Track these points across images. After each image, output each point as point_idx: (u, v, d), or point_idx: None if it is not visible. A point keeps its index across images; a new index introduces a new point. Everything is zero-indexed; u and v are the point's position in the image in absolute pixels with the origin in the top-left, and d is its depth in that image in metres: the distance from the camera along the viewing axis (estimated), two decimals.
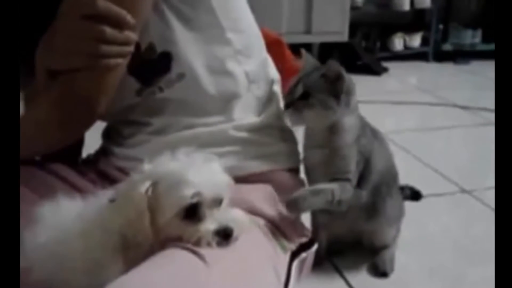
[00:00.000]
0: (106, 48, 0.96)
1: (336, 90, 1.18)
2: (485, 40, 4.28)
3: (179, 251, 0.84)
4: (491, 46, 4.13)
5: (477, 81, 3.76)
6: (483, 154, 2.36)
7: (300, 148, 1.28)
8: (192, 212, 0.86)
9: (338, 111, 1.19)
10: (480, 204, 1.85)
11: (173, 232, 0.87)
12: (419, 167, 2.18)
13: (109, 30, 0.94)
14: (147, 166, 0.89)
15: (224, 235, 0.87)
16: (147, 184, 0.86)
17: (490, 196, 1.86)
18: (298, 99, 1.19)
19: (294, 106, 1.19)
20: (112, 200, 0.90)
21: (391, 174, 1.38)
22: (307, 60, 1.27)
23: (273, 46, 1.36)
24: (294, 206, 1.16)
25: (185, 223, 0.86)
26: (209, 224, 0.86)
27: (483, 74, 3.82)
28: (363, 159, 1.26)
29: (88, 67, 0.98)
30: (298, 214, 1.21)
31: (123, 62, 1.01)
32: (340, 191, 1.21)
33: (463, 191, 1.96)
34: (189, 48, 1.09)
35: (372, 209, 1.33)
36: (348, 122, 1.22)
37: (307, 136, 1.27)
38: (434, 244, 1.60)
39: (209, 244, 0.86)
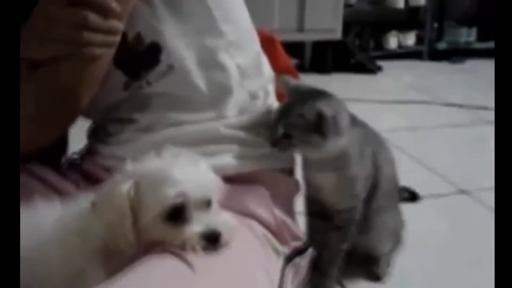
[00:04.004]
0: (89, 36, 0.90)
1: (319, 129, 1.09)
2: (480, 38, 4.27)
3: (164, 257, 0.79)
4: (487, 44, 4.12)
5: (473, 79, 3.74)
6: (479, 154, 2.34)
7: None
8: (177, 214, 0.81)
9: (327, 145, 1.11)
10: (478, 205, 1.82)
11: (156, 235, 0.82)
12: (415, 167, 2.15)
13: (93, 17, 0.89)
14: (129, 165, 0.84)
15: (212, 239, 0.81)
16: (128, 184, 0.81)
17: (488, 197, 1.82)
18: (281, 139, 1.11)
19: (279, 146, 1.12)
20: (94, 204, 0.85)
21: (394, 182, 1.33)
22: (288, 87, 1.17)
23: (265, 43, 1.30)
24: None
25: (168, 225, 0.81)
26: (195, 227, 0.81)
27: (478, 72, 3.81)
28: (372, 171, 1.22)
29: (70, 56, 0.93)
30: None
31: (108, 52, 0.96)
32: (340, 241, 1.25)
33: (461, 191, 1.92)
34: (179, 39, 1.05)
35: (366, 223, 1.28)
36: (343, 145, 1.14)
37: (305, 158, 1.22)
38: (433, 247, 1.57)
39: (193, 249, 0.80)
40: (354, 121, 1.18)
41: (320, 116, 1.08)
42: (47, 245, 0.84)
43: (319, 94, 1.14)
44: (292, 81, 1.18)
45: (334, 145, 1.12)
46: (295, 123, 1.10)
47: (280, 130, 1.10)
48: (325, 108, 1.08)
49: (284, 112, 1.12)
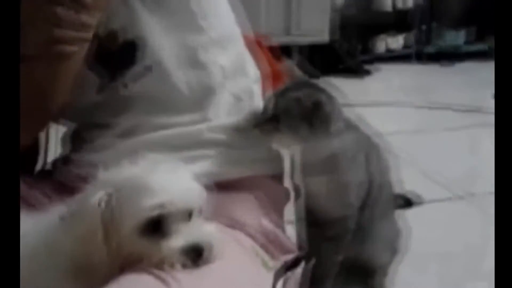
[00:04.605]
0: (59, 32, 0.85)
1: (311, 119, 1.01)
2: (468, 41, 4.28)
3: (140, 277, 0.72)
4: (475, 47, 4.16)
5: (462, 82, 3.78)
6: (473, 156, 2.30)
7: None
8: (155, 227, 0.73)
9: (314, 142, 1.04)
10: (477, 210, 1.77)
11: (132, 251, 0.74)
12: (409, 171, 2.10)
13: (62, 12, 0.84)
14: (102, 174, 0.76)
15: (193, 255, 0.74)
16: (100, 194, 0.73)
17: (487, 201, 1.77)
18: (268, 120, 1.04)
19: (263, 128, 1.04)
20: (62, 218, 0.78)
21: (389, 189, 1.26)
22: (292, 72, 1.12)
23: (251, 47, 1.25)
24: None
25: (146, 240, 0.74)
26: (175, 241, 0.74)
27: (467, 74, 3.84)
28: (366, 177, 1.14)
29: (39, 55, 0.87)
30: None
31: (79, 50, 0.90)
32: (334, 252, 1.16)
33: (460, 197, 1.88)
34: (156, 36, 0.98)
35: (360, 232, 1.21)
36: (333, 147, 1.07)
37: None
38: (437, 255, 1.51)
39: (172, 266, 0.73)
40: (348, 124, 1.12)
41: (317, 106, 1.00)
42: None
43: (322, 89, 1.07)
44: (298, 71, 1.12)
45: (321, 145, 1.05)
46: (288, 106, 1.02)
47: (270, 111, 1.03)
48: (325, 100, 1.01)
49: (279, 94, 1.04)
